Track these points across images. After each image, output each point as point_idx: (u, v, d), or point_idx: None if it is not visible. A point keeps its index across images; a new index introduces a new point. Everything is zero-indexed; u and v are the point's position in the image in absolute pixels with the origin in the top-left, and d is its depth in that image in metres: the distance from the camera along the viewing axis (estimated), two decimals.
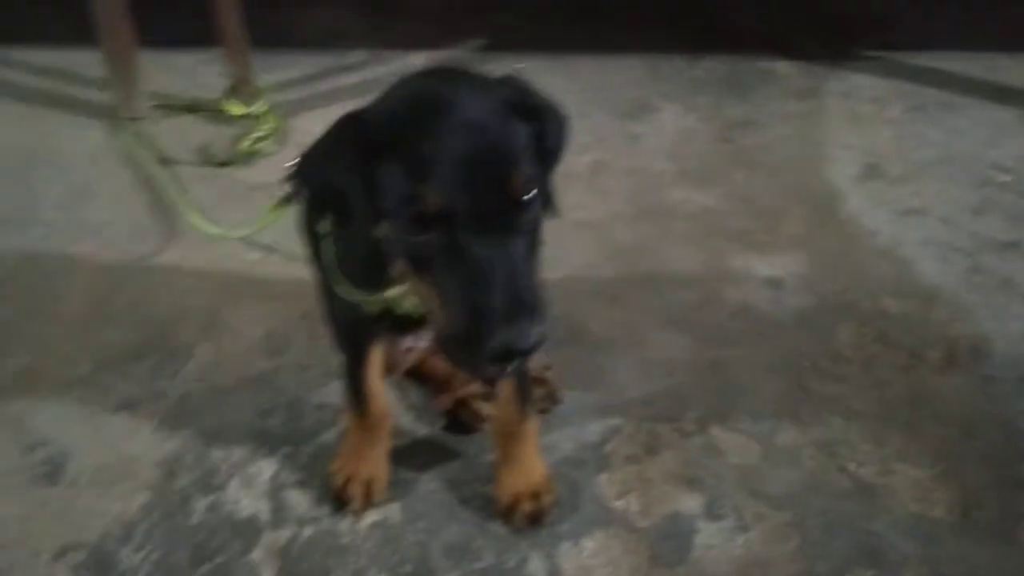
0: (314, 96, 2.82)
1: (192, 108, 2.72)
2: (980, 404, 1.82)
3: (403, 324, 1.46)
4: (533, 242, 1.16)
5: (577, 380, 1.87)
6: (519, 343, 1.05)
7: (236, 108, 2.63)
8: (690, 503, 1.64)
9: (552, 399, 1.80)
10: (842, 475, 1.69)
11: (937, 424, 1.78)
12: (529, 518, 1.59)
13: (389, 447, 1.66)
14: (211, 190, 2.39)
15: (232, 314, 2.02)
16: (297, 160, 1.22)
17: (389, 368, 1.71)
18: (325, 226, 1.40)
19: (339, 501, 1.61)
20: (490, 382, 1.58)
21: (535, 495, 1.60)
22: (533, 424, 1.62)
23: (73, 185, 2.43)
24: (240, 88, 2.67)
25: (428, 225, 1.08)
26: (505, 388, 1.58)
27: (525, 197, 1.10)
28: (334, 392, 1.80)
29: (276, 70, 2.90)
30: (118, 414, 1.78)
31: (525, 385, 1.59)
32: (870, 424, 1.78)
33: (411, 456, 1.71)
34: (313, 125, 2.60)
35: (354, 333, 1.56)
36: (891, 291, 2.09)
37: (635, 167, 2.52)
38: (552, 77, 2.76)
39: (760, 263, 2.19)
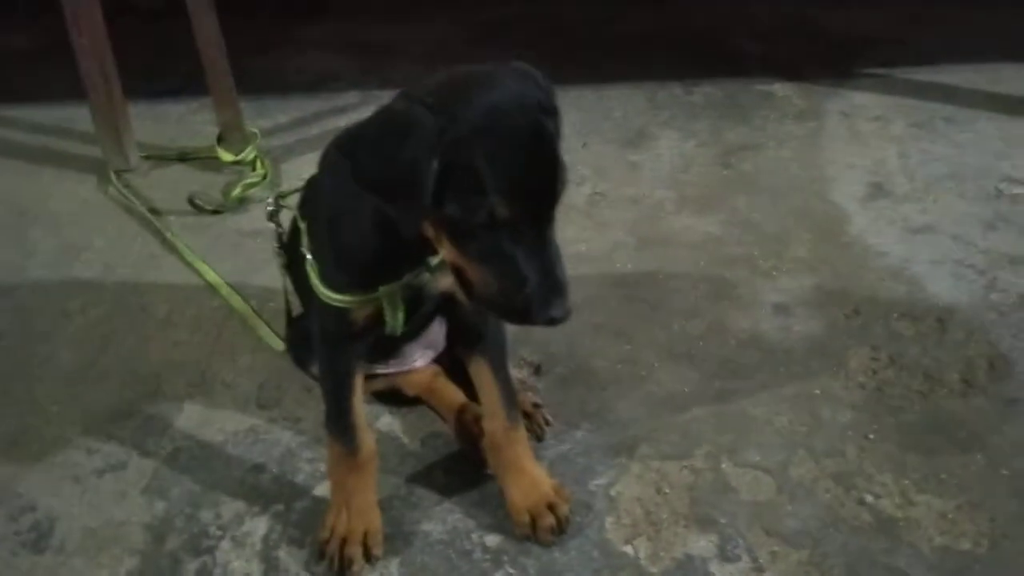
0: (306, 140, 2.78)
1: (183, 157, 2.70)
2: (1003, 428, 1.74)
3: (384, 344, 1.57)
4: None
5: (581, 419, 1.80)
6: (558, 313, 1.23)
7: (226, 155, 2.59)
8: (702, 545, 1.56)
9: (537, 434, 1.76)
10: (861, 508, 1.61)
11: (959, 451, 1.70)
12: (552, 531, 1.57)
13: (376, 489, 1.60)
14: (202, 238, 2.35)
15: (224, 366, 1.96)
16: (351, 149, 1.27)
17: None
18: (308, 242, 1.49)
19: (338, 566, 1.54)
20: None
21: (551, 506, 1.58)
22: (522, 431, 1.62)
23: (64, 241, 2.39)
24: (230, 135, 2.64)
25: (492, 223, 1.20)
26: (489, 398, 1.61)
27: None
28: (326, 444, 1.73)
29: (266, 115, 2.87)
30: (105, 476, 1.72)
31: (509, 392, 1.61)
32: (888, 453, 1.70)
33: (406, 503, 1.65)
34: (305, 169, 2.60)
35: (340, 351, 1.54)
36: (903, 312, 2.02)
37: (635, 196, 2.47)
38: None
39: (766, 289, 2.12)
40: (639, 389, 1.88)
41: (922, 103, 2.78)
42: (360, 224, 1.37)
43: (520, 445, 1.62)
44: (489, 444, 1.63)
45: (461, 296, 1.32)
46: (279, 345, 1.91)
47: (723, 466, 1.69)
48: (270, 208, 1.70)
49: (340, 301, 1.44)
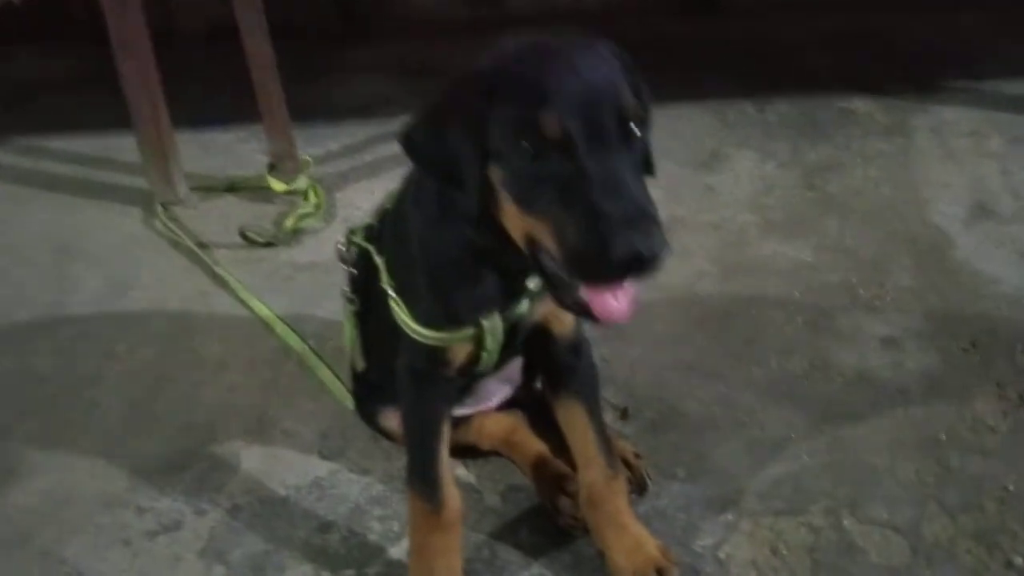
0: (358, 167, 2.64)
1: (233, 187, 2.56)
2: None
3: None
4: (643, 173, 1.16)
5: (678, 469, 1.63)
6: (647, 246, 1.03)
7: (278, 185, 2.46)
8: None
9: (640, 486, 1.58)
10: (1009, 571, 1.41)
11: None
12: None
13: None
14: (255, 274, 2.21)
15: (283, 412, 1.81)
16: (406, 132, 1.22)
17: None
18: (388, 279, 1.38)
19: None
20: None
21: (660, 571, 1.41)
22: (622, 483, 1.47)
23: (108, 278, 2.26)
24: (281, 164, 2.50)
25: (547, 152, 1.08)
26: (585, 446, 1.46)
27: (637, 125, 1.12)
28: (399, 498, 1.57)
29: (317, 143, 2.74)
30: (158, 538, 1.56)
31: (606, 439, 1.47)
32: None
33: (490, 566, 1.48)
34: (359, 198, 2.48)
35: (431, 394, 1.40)
36: None
37: (715, 221, 2.30)
38: None
39: (871, 321, 1.94)
40: (739, 435, 1.70)
41: (1018, 117, 2.58)
42: (453, 247, 1.27)
43: (621, 498, 1.47)
44: (587, 498, 1.47)
45: (558, 326, 1.27)
46: (342, 394, 1.75)
47: (846, 523, 1.50)
48: (341, 247, 1.54)
49: (438, 339, 1.31)
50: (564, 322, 1.39)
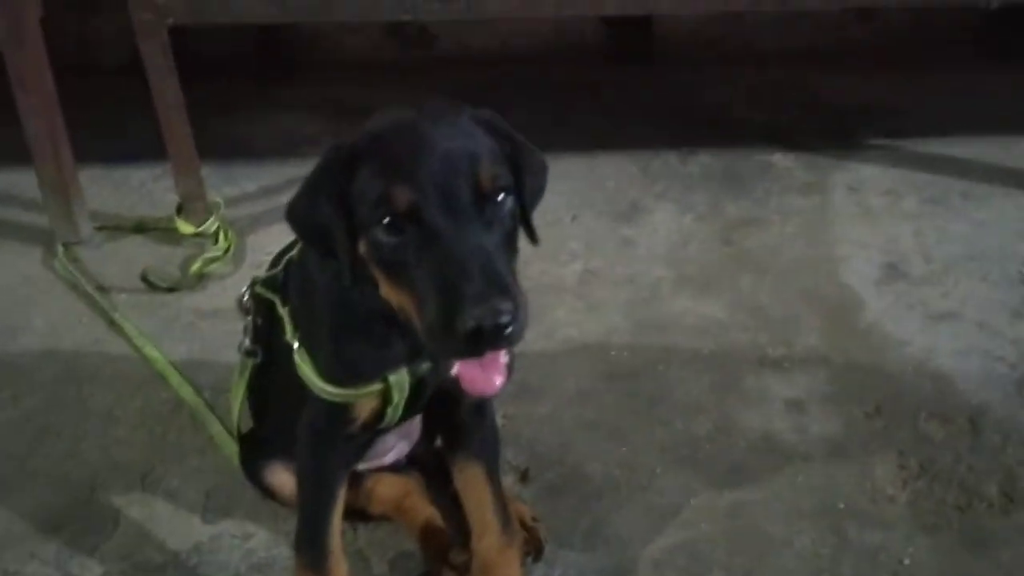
0: (274, 210, 2.56)
1: (140, 228, 2.48)
2: None
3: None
4: (507, 242, 1.15)
5: (574, 535, 1.59)
6: (491, 319, 1.03)
7: (186, 227, 2.38)
8: None
9: (537, 550, 1.54)
10: None
11: None
12: None
13: None
14: (155, 320, 2.13)
15: (169, 469, 1.74)
16: (289, 204, 1.24)
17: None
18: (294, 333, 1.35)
19: None
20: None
21: None
22: (516, 552, 1.45)
23: None
24: (191, 205, 2.42)
25: (401, 224, 1.09)
26: (482, 512, 1.43)
27: (493, 194, 1.12)
28: (283, 566, 1.50)
29: (233, 183, 2.67)
30: None
31: (503, 505, 1.45)
32: None
33: None
34: (271, 242, 2.41)
35: (331, 455, 1.36)
36: (932, 412, 1.82)
37: (630, 275, 2.27)
38: None
39: (777, 382, 1.92)
40: (639, 500, 1.66)
41: (935, 177, 2.59)
42: (356, 306, 1.25)
43: (514, 567, 1.44)
44: (481, 566, 1.43)
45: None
46: (232, 451, 1.68)
47: None
48: (245, 298, 1.49)
49: (344, 396, 1.28)
50: None
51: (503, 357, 1.12)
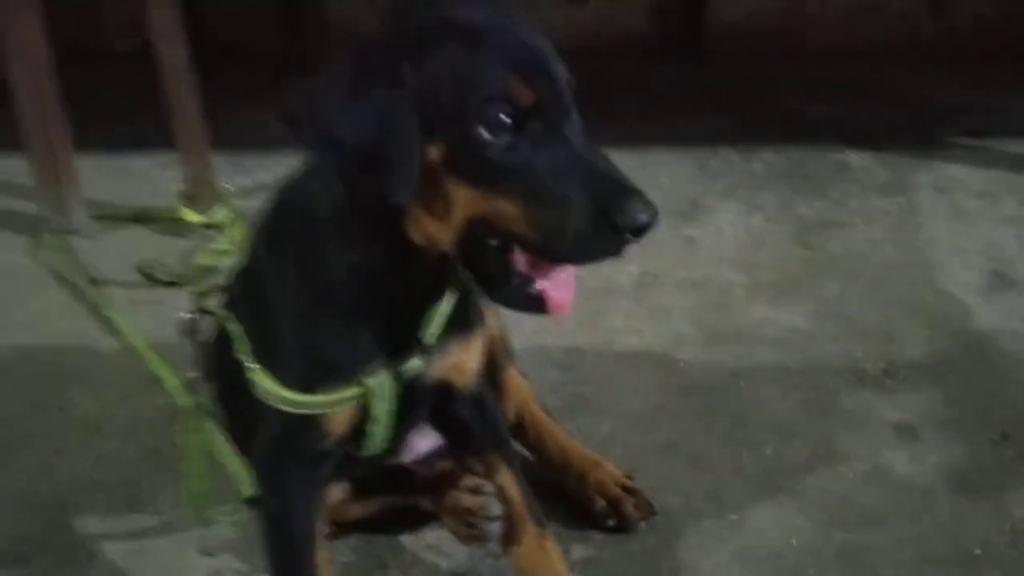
0: None
1: (140, 218, 2.21)
2: None
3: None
4: None
5: None
6: (648, 216, 0.92)
7: (192, 216, 2.11)
8: None
9: (648, 508, 1.40)
10: None
11: None
12: None
13: None
14: (151, 317, 1.85)
15: (160, 490, 1.46)
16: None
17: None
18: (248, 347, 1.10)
19: None
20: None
21: None
22: (555, 544, 1.29)
23: None
24: (198, 193, 2.16)
25: (521, 122, 0.93)
26: (516, 505, 1.27)
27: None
28: None
29: (246, 172, 2.40)
30: None
31: (527, 492, 1.29)
32: None
33: None
34: None
35: (299, 482, 1.13)
36: None
37: (696, 279, 1.99)
38: None
39: (881, 403, 1.63)
40: (729, 539, 1.38)
41: None
42: (328, 280, 1.04)
43: (555, 557, 1.28)
44: (522, 567, 1.27)
45: (460, 379, 1.13)
46: (238, 470, 1.39)
47: None
48: (189, 316, 1.27)
49: (310, 404, 1.05)
50: (465, 373, 1.17)
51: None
